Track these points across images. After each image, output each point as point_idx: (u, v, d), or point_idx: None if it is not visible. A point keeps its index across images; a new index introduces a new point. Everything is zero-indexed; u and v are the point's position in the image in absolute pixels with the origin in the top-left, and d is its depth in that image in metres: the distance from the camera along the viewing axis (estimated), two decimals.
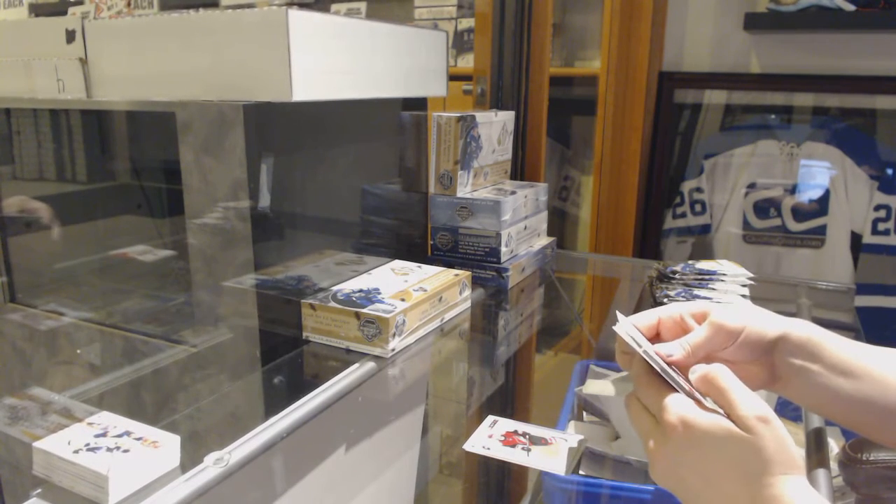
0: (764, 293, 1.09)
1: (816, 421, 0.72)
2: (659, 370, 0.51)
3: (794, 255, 1.76)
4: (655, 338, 0.57)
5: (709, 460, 0.47)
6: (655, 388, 0.51)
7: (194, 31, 0.80)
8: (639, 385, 0.53)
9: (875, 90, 1.67)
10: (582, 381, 0.90)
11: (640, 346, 0.52)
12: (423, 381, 0.92)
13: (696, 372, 0.50)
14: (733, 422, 0.47)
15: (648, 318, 0.57)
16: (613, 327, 0.56)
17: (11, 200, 1.03)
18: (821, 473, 0.63)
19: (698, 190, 1.84)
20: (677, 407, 0.48)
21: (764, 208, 1.78)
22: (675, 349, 0.53)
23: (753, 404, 0.47)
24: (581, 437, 0.67)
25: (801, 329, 0.56)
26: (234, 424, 0.75)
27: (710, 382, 0.49)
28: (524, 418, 0.69)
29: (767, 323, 0.57)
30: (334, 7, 2.30)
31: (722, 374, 0.49)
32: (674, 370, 0.50)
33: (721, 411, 0.48)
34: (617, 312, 0.58)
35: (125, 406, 0.90)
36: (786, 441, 0.46)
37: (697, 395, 0.49)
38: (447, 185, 1.10)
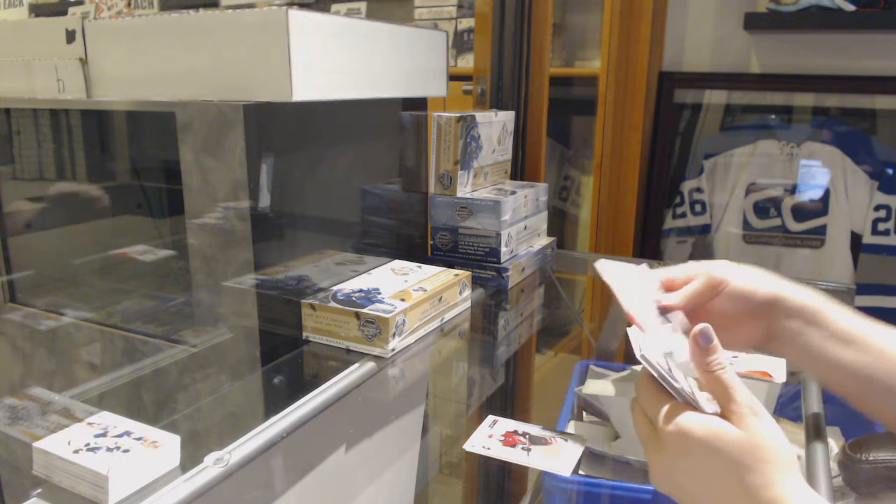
0: None
1: (816, 420, 0.72)
2: (657, 376, 0.51)
3: (794, 255, 1.76)
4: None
5: (704, 468, 0.47)
6: (654, 395, 0.51)
7: (194, 31, 0.80)
8: (640, 391, 0.53)
9: (875, 90, 1.67)
10: (582, 381, 0.90)
11: (639, 349, 0.52)
12: (423, 381, 0.92)
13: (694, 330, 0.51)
14: (727, 417, 0.47)
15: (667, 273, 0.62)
16: (598, 268, 0.62)
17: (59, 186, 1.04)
18: (821, 473, 0.63)
19: (698, 190, 1.84)
20: (673, 415, 0.49)
21: (764, 208, 1.78)
22: (674, 298, 0.58)
23: (748, 397, 0.47)
24: (581, 437, 0.67)
25: (801, 293, 0.56)
26: (234, 424, 0.75)
27: (712, 375, 0.49)
28: (524, 418, 0.69)
29: (761, 282, 0.57)
30: (334, 7, 2.30)
31: (726, 369, 0.49)
32: (672, 376, 0.50)
33: (717, 408, 0.48)
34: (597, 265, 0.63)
35: (125, 406, 0.90)
36: (779, 438, 0.46)
37: (696, 397, 0.49)
38: (447, 185, 1.10)
